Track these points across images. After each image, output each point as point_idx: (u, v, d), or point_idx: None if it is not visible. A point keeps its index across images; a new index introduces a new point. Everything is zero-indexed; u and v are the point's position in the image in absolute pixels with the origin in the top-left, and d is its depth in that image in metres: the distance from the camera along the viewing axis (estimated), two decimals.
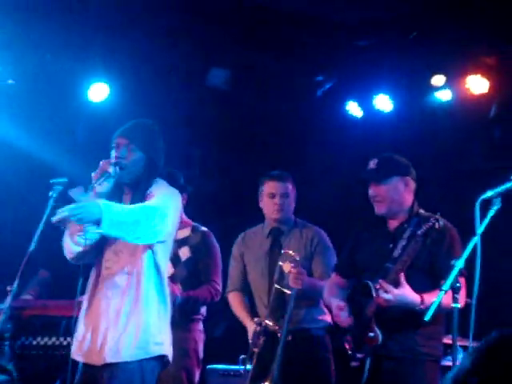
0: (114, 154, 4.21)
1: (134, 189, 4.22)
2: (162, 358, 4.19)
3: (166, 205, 4.09)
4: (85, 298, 4.27)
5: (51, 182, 4.40)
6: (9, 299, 4.13)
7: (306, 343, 5.30)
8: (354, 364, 4.50)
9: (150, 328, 4.11)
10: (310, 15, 6.66)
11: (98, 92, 7.20)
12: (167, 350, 4.20)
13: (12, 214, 6.92)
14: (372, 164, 4.60)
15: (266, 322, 5.25)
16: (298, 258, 5.13)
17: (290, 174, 5.56)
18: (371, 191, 4.61)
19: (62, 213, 3.86)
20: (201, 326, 5.72)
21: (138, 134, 4.25)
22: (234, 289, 5.59)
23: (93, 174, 4.16)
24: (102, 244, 4.22)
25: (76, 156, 6.87)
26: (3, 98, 6.99)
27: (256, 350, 5.24)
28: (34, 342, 5.45)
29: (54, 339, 5.54)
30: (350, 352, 4.52)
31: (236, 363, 6.07)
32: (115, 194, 4.19)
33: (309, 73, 7.37)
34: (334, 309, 4.58)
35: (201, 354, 5.67)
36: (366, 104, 7.47)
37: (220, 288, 5.65)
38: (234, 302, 5.58)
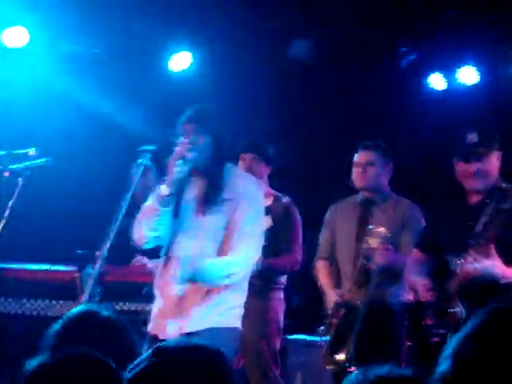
0: (183, 140, 4.28)
1: (206, 175, 4.31)
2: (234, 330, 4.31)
3: (255, 237, 4.26)
4: (155, 281, 4.41)
5: (139, 149, 4.46)
6: (98, 264, 4.20)
7: (381, 317, 5.24)
8: (435, 340, 4.47)
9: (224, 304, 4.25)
10: None
11: (181, 61, 7.24)
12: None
13: (99, 180, 7.03)
14: (473, 138, 4.48)
15: (348, 294, 5.25)
16: (386, 234, 5.10)
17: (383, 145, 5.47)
18: (471, 166, 4.47)
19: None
20: (281, 294, 5.76)
21: (204, 118, 4.32)
22: (322, 257, 5.54)
23: (168, 159, 4.25)
24: (175, 228, 4.33)
25: (158, 124, 6.93)
26: (90, 65, 7.09)
27: (334, 321, 5.24)
28: (118, 307, 5.54)
29: (135, 305, 5.62)
30: (431, 328, 4.49)
31: (314, 333, 6.09)
32: (186, 179, 4.32)
33: (393, 44, 7.28)
34: (420, 287, 4.54)
35: (281, 323, 5.70)
36: (450, 76, 7.34)
37: (300, 258, 5.67)
38: (319, 269, 5.53)
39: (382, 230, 5.13)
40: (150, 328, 4.36)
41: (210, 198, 4.26)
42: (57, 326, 2.63)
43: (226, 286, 4.23)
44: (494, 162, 4.47)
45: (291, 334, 6.24)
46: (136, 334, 2.69)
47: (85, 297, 4.21)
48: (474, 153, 4.44)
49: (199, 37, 7.09)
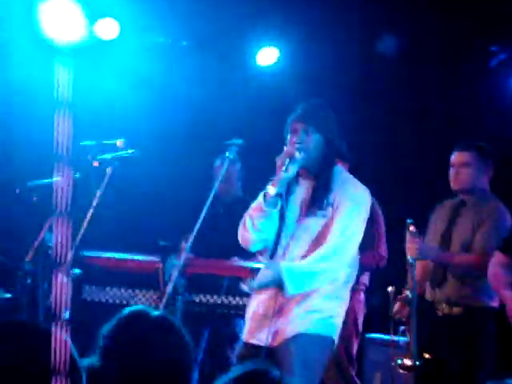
0: (291, 138, 4.15)
1: (313, 174, 4.18)
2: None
3: (355, 227, 4.12)
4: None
5: (226, 143, 4.46)
6: (183, 255, 4.24)
7: (457, 319, 5.07)
8: None
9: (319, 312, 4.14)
10: None
11: (268, 56, 7.24)
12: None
13: (185, 171, 7.08)
14: None
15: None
16: (413, 230, 5.02)
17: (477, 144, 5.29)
18: None
19: (251, 286, 4.07)
20: (362, 296, 5.70)
21: (314, 116, 4.17)
22: None
23: (277, 159, 4.16)
24: (280, 230, 4.19)
25: (245, 118, 6.95)
26: (178, 57, 7.15)
27: (398, 317, 5.23)
28: (197, 300, 5.57)
29: (215, 298, 5.64)
30: None
31: (395, 333, 6.02)
32: (294, 180, 4.19)
33: (483, 42, 7.14)
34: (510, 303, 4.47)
35: (360, 326, 5.65)
36: None
37: (385, 254, 5.62)
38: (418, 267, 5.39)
39: (411, 227, 5.06)
40: (244, 334, 4.25)
41: (317, 202, 4.12)
42: (108, 327, 2.62)
43: (321, 293, 4.12)
44: None
45: (369, 332, 6.19)
46: (189, 334, 2.64)
47: (169, 288, 4.25)
48: None
49: (286, 32, 7.08)
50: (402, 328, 5.58)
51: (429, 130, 7.30)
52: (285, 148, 4.14)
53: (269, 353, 4.05)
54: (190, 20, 6.95)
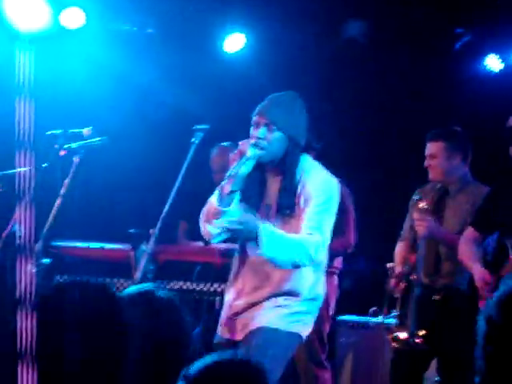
0: (253, 132, 4.00)
1: (280, 172, 4.03)
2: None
3: (327, 225, 3.97)
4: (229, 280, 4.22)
5: (193, 128, 4.47)
6: (152, 242, 4.25)
7: (453, 301, 5.08)
8: None
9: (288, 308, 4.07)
10: None
11: (235, 42, 7.24)
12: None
13: (153, 159, 7.08)
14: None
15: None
16: (424, 207, 5.02)
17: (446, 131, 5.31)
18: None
19: (223, 223, 3.85)
20: (335, 279, 5.73)
21: (278, 113, 3.98)
22: (402, 239, 5.39)
23: (231, 156, 4.06)
24: None
25: (214, 105, 6.95)
26: (142, 46, 7.14)
27: (397, 295, 5.15)
28: (170, 286, 5.58)
29: (188, 284, 5.65)
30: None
31: (365, 314, 6.09)
32: (256, 176, 4.03)
33: (448, 25, 7.18)
34: (478, 276, 4.51)
35: (332, 309, 5.68)
36: (507, 58, 7.22)
37: (352, 240, 5.65)
38: (397, 249, 5.39)
39: (421, 203, 5.07)
40: (220, 328, 4.18)
41: (282, 204, 3.99)
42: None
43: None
44: None
45: (341, 315, 6.24)
46: (187, 313, 2.67)
47: (138, 274, 4.27)
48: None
49: (253, 17, 7.08)
50: (373, 309, 5.63)
51: (396, 115, 7.33)
52: (239, 144, 4.01)
53: (234, 345, 4.00)
54: (156, 7, 6.94)
